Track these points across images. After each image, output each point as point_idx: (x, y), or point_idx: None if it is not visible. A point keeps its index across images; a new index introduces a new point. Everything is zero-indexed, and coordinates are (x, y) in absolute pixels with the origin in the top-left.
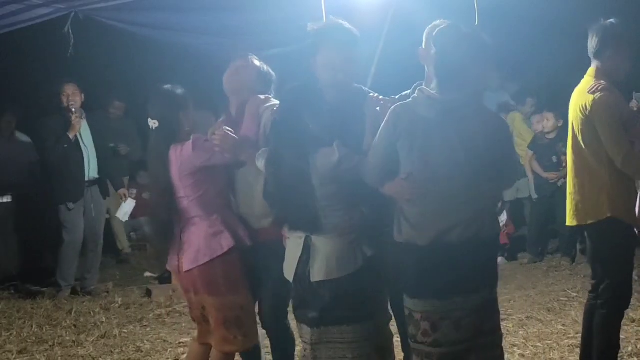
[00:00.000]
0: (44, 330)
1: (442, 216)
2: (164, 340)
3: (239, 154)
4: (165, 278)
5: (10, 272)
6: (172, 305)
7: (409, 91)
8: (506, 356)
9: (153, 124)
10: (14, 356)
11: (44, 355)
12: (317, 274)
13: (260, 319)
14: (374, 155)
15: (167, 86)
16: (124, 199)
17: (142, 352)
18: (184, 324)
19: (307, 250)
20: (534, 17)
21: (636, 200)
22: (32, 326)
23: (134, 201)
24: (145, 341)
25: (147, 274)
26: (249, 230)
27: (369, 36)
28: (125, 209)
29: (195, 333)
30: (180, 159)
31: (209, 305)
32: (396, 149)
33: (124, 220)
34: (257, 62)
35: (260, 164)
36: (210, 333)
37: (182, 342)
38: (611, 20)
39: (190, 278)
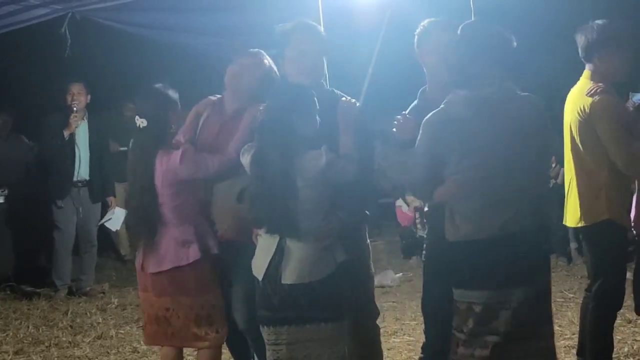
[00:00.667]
0: (40, 331)
1: (498, 209)
2: None
3: (224, 170)
4: None
5: (5, 272)
6: None
7: (416, 102)
8: None
9: (141, 122)
10: (10, 357)
11: (40, 356)
12: (289, 276)
13: (238, 322)
14: (419, 170)
15: (158, 85)
16: (112, 206)
17: (138, 352)
18: None
19: (280, 252)
20: (530, 18)
21: (631, 203)
22: (28, 327)
23: (124, 210)
24: (141, 342)
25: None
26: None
27: (366, 37)
28: (115, 218)
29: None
30: (165, 167)
31: (178, 305)
32: (440, 157)
33: (114, 230)
34: (266, 62)
35: (245, 160)
36: (171, 334)
37: None
38: (597, 21)
39: (154, 280)
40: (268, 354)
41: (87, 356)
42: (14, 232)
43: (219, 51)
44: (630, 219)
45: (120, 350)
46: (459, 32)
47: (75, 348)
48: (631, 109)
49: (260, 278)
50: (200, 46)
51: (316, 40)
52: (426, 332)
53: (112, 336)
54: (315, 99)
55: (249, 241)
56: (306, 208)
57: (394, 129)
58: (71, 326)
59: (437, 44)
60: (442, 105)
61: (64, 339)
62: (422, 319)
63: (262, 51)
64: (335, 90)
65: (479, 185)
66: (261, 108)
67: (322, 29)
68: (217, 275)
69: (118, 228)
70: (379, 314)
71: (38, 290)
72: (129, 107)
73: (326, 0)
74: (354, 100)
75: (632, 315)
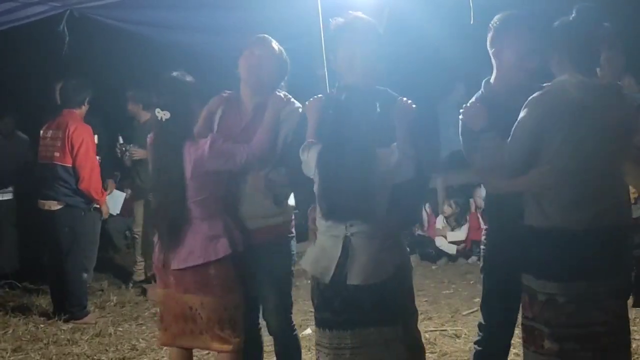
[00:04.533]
0: (39, 328)
1: (595, 200)
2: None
3: (252, 161)
4: None
5: (4, 270)
6: None
7: (481, 91)
8: None
9: (162, 115)
10: (8, 354)
11: (39, 354)
12: (355, 277)
13: (267, 325)
14: (516, 148)
15: (176, 73)
16: (109, 189)
17: (137, 350)
18: None
19: (345, 252)
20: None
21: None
22: (27, 324)
23: (123, 193)
24: (140, 339)
25: (136, 277)
26: (247, 232)
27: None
28: (114, 201)
29: (165, 336)
30: (194, 158)
31: (200, 305)
32: (542, 137)
33: (115, 213)
34: (276, 48)
35: (307, 156)
36: (193, 334)
37: None
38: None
39: (179, 276)
40: (327, 358)
41: (85, 354)
42: (13, 229)
43: (217, 49)
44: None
45: (118, 347)
46: (574, 14)
47: (74, 345)
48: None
49: (327, 280)
50: (199, 44)
51: (370, 40)
52: (488, 324)
53: (110, 334)
54: (372, 99)
55: (282, 242)
56: (376, 203)
57: (463, 117)
58: (70, 324)
59: (519, 43)
60: (550, 87)
61: (62, 336)
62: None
63: (268, 35)
64: (389, 90)
65: (577, 175)
66: (287, 107)
67: (377, 24)
68: (240, 276)
69: (118, 212)
70: (417, 313)
71: (37, 287)
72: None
73: None
74: (410, 101)
75: (631, 314)
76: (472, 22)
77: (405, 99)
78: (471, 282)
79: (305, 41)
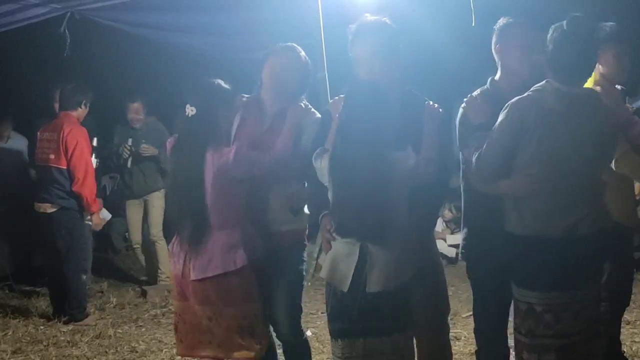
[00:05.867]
0: (39, 330)
1: (571, 209)
2: (159, 341)
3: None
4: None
5: (4, 271)
6: (167, 305)
7: (486, 86)
8: None
9: (190, 110)
10: (8, 356)
11: (39, 355)
12: (375, 284)
13: (275, 330)
14: (491, 151)
15: (213, 79)
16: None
17: (137, 352)
18: None
19: (362, 258)
20: (530, 19)
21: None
22: (26, 326)
23: (109, 215)
24: (140, 341)
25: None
26: (268, 239)
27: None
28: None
29: (182, 347)
30: (218, 165)
31: (220, 315)
32: (517, 143)
33: (107, 218)
34: (302, 58)
35: (320, 164)
36: (217, 345)
37: None
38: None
39: (197, 287)
40: None
41: (85, 355)
42: (13, 231)
43: (217, 51)
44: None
45: (118, 349)
46: (564, 26)
47: (74, 347)
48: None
49: (345, 289)
50: (199, 46)
51: (386, 39)
52: (481, 335)
53: (110, 335)
54: (389, 99)
55: (295, 248)
56: (393, 210)
57: (465, 107)
58: (69, 325)
59: (522, 41)
60: (530, 92)
61: (62, 338)
62: None
63: (296, 45)
64: (415, 92)
65: (557, 183)
66: (307, 117)
67: (392, 24)
68: (260, 284)
69: (108, 218)
70: (449, 310)
71: (37, 289)
72: (132, 108)
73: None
74: (437, 105)
75: (630, 317)
76: (473, 24)
77: (432, 102)
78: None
79: (305, 43)
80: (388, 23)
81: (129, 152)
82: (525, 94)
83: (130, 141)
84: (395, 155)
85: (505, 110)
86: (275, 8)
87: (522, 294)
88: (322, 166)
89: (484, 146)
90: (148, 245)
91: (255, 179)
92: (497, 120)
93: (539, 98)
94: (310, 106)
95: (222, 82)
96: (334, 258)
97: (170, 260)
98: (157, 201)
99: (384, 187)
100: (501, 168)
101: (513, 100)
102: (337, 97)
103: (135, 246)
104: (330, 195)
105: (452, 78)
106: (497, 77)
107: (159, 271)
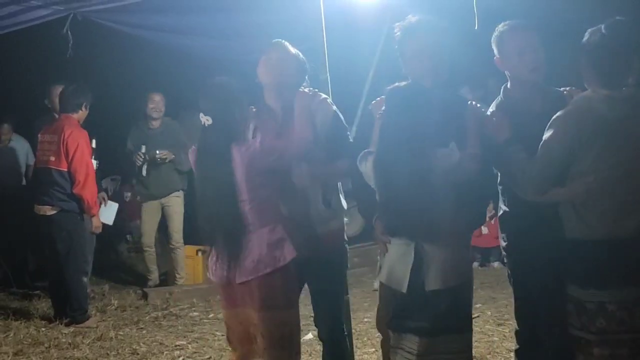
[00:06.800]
0: (40, 332)
1: (635, 208)
2: (160, 343)
3: (299, 157)
4: (161, 281)
5: (6, 273)
6: (168, 308)
7: (500, 98)
8: None
9: (206, 120)
10: (9, 358)
11: (40, 357)
12: (433, 282)
13: (319, 331)
14: (546, 162)
15: (221, 78)
16: (103, 202)
17: (138, 354)
18: (180, 327)
19: (418, 258)
20: (533, 19)
21: None
22: (27, 328)
23: (116, 204)
24: (141, 344)
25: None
26: (308, 238)
27: (367, 39)
28: (108, 213)
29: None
30: (247, 158)
31: (260, 321)
32: (574, 154)
33: (110, 224)
34: (292, 50)
35: (366, 167)
36: (254, 354)
37: (178, 345)
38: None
39: (244, 290)
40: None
41: (86, 357)
42: (13, 233)
43: (219, 53)
44: None
45: (119, 352)
46: (603, 30)
47: (75, 349)
48: None
49: (404, 290)
50: (202, 48)
51: (436, 39)
52: (523, 336)
53: (111, 338)
54: (435, 98)
55: (336, 249)
56: (441, 208)
57: (487, 127)
58: (71, 327)
59: (519, 46)
60: (578, 102)
61: (63, 340)
62: None
63: (282, 40)
64: (458, 93)
65: (617, 185)
66: (315, 99)
67: (445, 23)
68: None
69: (111, 223)
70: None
71: (39, 291)
72: (154, 98)
73: (328, 0)
74: (479, 104)
75: None
76: (476, 27)
77: (474, 102)
78: (474, 288)
79: (308, 46)
80: (438, 21)
81: (142, 160)
82: (573, 107)
83: (143, 148)
84: (438, 152)
85: (556, 125)
86: (277, 11)
87: (590, 294)
88: (367, 169)
89: (538, 159)
90: (167, 251)
91: (285, 171)
92: (520, 131)
93: (592, 107)
94: (315, 89)
95: (230, 80)
96: (390, 260)
97: (210, 270)
98: (178, 207)
99: (429, 184)
100: (556, 178)
101: (561, 114)
102: (379, 98)
103: (146, 249)
104: (377, 197)
105: (455, 81)
106: (508, 85)
107: (178, 276)
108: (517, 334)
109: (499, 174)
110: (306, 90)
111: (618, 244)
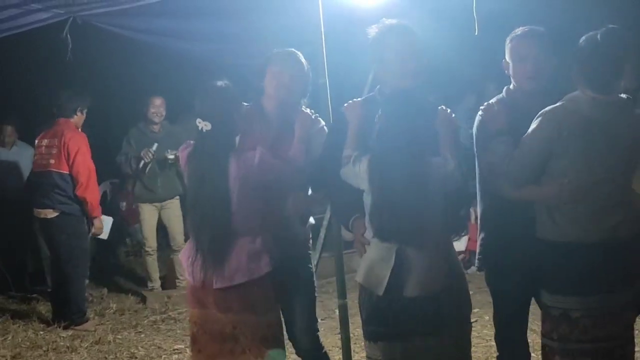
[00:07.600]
0: (39, 335)
1: (608, 213)
2: (159, 347)
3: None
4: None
5: (4, 277)
6: (166, 311)
7: (503, 94)
8: None
9: (204, 125)
10: None
11: None
12: (413, 289)
13: (295, 346)
14: (524, 158)
15: (219, 82)
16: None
17: (136, 358)
18: (178, 331)
19: (399, 261)
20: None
21: None
22: (26, 331)
23: (111, 218)
24: (139, 347)
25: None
26: (281, 243)
27: (366, 43)
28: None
29: (199, 357)
30: (244, 170)
31: (243, 324)
32: (552, 151)
33: (104, 238)
34: (304, 65)
35: (358, 169)
36: (233, 353)
37: (177, 349)
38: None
39: (220, 296)
40: None
41: None
42: (13, 236)
43: (219, 57)
44: None
45: (117, 355)
46: (598, 37)
47: (73, 353)
48: None
49: (380, 293)
50: (201, 52)
51: (410, 42)
52: (502, 341)
53: (110, 341)
54: (422, 104)
55: (305, 258)
56: (430, 215)
57: (482, 114)
58: (69, 331)
59: (521, 53)
60: (564, 102)
61: (61, 343)
62: None
63: (295, 50)
64: (428, 97)
65: (592, 189)
66: (315, 125)
67: (416, 28)
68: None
69: (106, 237)
70: (471, 326)
71: (37, 294)
72: (155, 102)
73: (327, 5)
74: (449, 110)
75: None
76: (476, 32)
77: (444, 107)
78: (470, 292)
79: (306, 50)
80: (412, 26)
81: (151, 157)
82: (560, 104)
83: (155, 146)
84: (433, 161)
85: (540, 119)
86: (276, 15)
87: (556, 300)
88: (360, 170)
89: (517, 151)
90: (164, 255)
91: (275, 187)
92: (515, 126)
93: (577, 108)
94: (315, 114)
95: (230, 85)
96: (369, 261)
97: (185, 270)
98: (177, 210)
99: (423, 192)
100: (533, 174)
101: (548, 109)
102: (351, 101)
103: (147, 249)
104: (368, 199)
105: (455, 86)
106: (511, 86)
107: (180, 279)
108: (497, 339)
109: (478, 171)
110: (308, 110)
111: (586, 249)
